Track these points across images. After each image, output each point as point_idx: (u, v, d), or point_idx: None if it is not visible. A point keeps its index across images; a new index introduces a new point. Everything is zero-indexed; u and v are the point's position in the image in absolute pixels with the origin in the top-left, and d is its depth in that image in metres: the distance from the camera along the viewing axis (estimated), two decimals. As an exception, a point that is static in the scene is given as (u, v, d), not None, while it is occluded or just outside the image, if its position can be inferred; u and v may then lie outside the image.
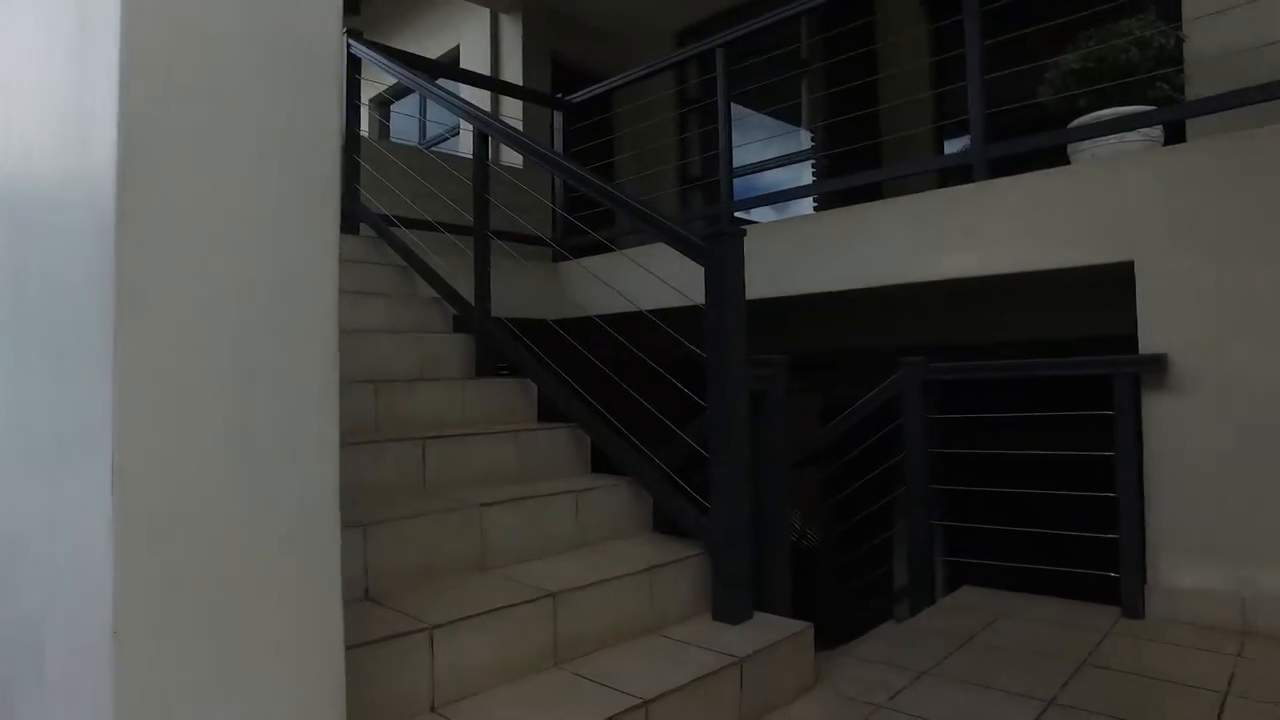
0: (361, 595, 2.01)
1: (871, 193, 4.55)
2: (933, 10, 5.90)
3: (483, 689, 1.87)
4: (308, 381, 1.32)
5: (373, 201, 4.11)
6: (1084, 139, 3.25)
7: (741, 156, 4.57)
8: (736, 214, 4.55)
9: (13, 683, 1.55)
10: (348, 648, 1.63)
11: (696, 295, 2.44)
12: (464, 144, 6.08)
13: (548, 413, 3.17)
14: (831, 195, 5.16)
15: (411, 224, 3.97)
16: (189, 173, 1.22)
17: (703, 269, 2.40)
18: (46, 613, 1.41)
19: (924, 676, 2.33)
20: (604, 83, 5.10)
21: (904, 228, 3.52)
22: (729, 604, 2.33)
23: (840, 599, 3.72)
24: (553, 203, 5.06)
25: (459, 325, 3.59)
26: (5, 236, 1.68)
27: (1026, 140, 3.33)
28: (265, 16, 1.31)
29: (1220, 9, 3.17)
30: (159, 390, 1.17)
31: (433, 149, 6.35)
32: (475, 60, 7.05)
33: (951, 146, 6.30)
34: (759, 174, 5.12)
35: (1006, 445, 3.18)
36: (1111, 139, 3.17)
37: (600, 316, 3.14)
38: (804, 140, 6.86)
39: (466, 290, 3.43)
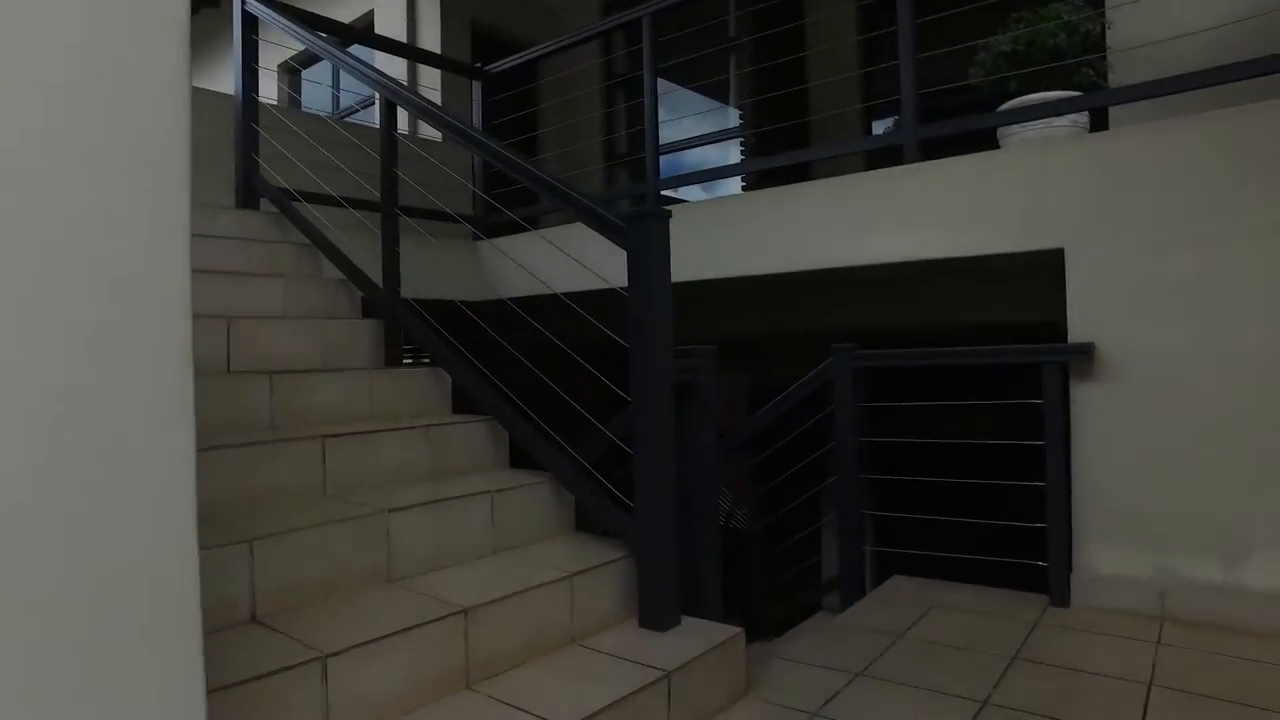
0: (247, 618, 1.80)
1: (800, 173, 4.46)
2: (862, -13, 5.84)
3: (385, 720, 1.69)
4: (143, 390, 1.05)
5: (273, 175, 3.79)
6: (1013, 123, 3.21)
7: (668, 134, 4.41)
8: (663, 192, 4.38)
9: None
10: (221, 688, 1.44)
11: (620, 279, 2.27)
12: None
13: (463, 404, 2.96)
14: (760, 175, 5.06)
15: (317, 199, 3.67)
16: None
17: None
18: None
19: (858, 678, 2.25)
20: (526, 52, 4.84)
21: (835, 210, 3.42)
22: (656, 610, 2.20)
23: (770, 591, 3.65)
24: (472, 179, 4.80)
25: (368, 310, 3.33)
26: None
27: (959, 122, 3.26)
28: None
29: (1140, -4, 3.15)
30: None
31: (345, 120, 5.98)
32: (390, 27, 6.66)
33: (879, 128, 6.29)
34: (686, 151, 4.97)
35: (938, 433, 3.14)
36: (1040, 124, 3.13)
37: (522, 300, 2.95)
38: (732, 118, 6.76)
39: (376, 272, 3.19)
